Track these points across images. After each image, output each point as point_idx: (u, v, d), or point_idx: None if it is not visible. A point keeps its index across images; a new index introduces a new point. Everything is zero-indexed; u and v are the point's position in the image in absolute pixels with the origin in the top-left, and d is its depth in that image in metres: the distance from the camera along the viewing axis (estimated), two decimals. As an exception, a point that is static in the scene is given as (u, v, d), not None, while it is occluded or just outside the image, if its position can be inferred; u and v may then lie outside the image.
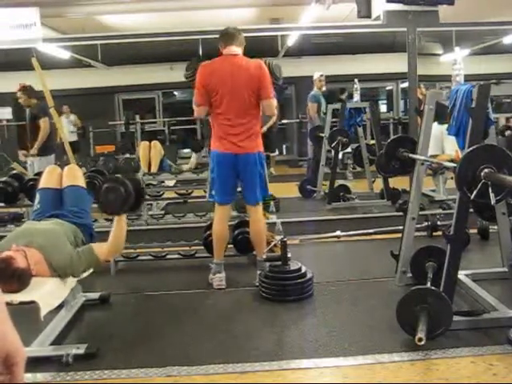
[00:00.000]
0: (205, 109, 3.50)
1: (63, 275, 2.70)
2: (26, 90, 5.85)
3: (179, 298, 3.44)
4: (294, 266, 3.36)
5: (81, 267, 2.77)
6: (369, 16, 5.33)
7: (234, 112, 3.43)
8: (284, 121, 11.88)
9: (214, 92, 3.42)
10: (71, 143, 6.60)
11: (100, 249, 2.84)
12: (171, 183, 5.97)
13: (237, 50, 3.50)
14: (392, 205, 5.89)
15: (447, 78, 4.43)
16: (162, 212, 5.85)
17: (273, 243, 3.73)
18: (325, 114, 7.12)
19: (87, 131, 10.75)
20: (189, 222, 5.12)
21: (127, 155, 7.58)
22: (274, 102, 3.53)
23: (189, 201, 5.54)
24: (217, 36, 3.58)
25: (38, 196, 3.20)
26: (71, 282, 2.80)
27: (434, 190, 6.10)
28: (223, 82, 3.40)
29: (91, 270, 3.00)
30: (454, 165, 2.65)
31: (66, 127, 9.53)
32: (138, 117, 9.86)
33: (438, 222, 4.52)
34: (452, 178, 3.64)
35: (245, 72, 3.41)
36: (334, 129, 6.38)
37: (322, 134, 6.81)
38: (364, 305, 3.13)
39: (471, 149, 2.50)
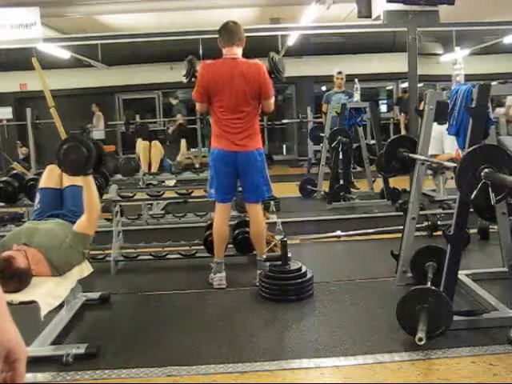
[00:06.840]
0: (205, 105, 3.56)
1: (64, 272, 2.71)
2: None
3: (179, 297, 3.44)
4: (294, 265, 3.36)
5: (78, 255, 2.79)
6: (369, 16, 5.35)
7: (233, 111, 3.44)
8: (284, 120, 11.86)
9: (213, 93, 3.45)
10: None
11: (80, 224, 2.87)
12: (171, 183, 5.98)
13: (237, 51, 3.50)
14: (392, 205, 5.89)
15: (447, 78, 4.42)
16: (163, 212, 5.86)
17: (273, 243, 3.73)
18: (338, 114, 6.48)
19: (87, 131, 10.73)
20: (189, 222, 5.12)
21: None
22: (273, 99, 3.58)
23: (189, 200, 5.53)
24: (217, 36, 3.56)
25: (38, 196, 3.20)
26: (71, 281, 2.80)
27: (434, 190, 6.10)
28: (223, 85, 3.41)
29: (90, 269, 3.00)
30: (454, 165, 2.65)
31: None
32: (138, 117, 9.85)
33: (438, 222, 4.52)
34: (452, 178, 3.65)
35: (245, 77, 3.41)
36: (335, 128, 6.37)
37: (322, 134, 6.80)
38: (364, 305, 3.13)
39: (471, 149, 2.50)
